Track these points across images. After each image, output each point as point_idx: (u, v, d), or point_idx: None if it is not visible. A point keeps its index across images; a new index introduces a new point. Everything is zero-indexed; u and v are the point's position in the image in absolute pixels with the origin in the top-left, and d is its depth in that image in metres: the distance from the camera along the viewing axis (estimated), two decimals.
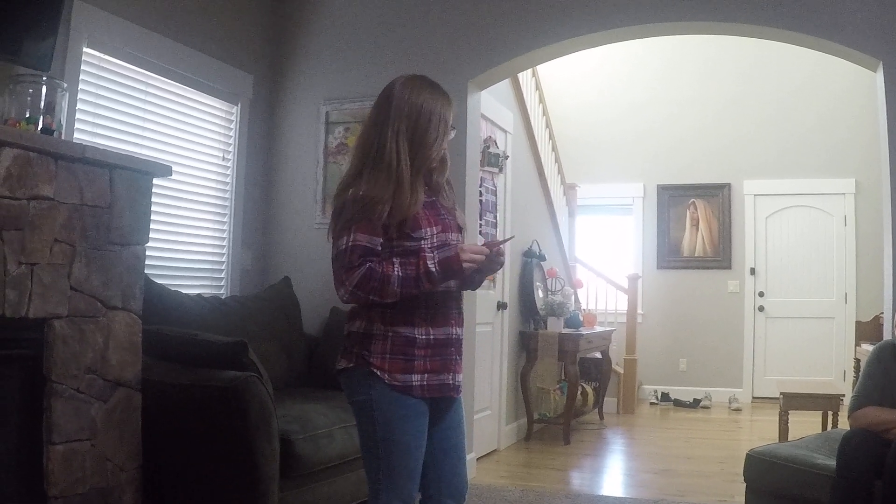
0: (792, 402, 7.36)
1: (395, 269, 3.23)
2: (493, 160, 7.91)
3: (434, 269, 3.24)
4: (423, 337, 3.36)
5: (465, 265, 3.27)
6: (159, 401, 4.69)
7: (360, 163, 3.39)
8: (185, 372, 4.75)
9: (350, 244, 3.23)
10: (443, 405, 3.50)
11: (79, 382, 4.23)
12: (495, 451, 8.17)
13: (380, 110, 3.43)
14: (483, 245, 3.41)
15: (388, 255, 3.30)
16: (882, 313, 7.97)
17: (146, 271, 4.80)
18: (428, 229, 3.36)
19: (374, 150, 3.35)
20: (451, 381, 3.46)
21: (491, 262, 3.40)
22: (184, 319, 5.48)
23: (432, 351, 3.38)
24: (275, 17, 7.57)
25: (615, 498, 6.64)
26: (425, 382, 3.35)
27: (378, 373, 3.30)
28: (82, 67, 5.47)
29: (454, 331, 3.49)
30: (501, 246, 3.43)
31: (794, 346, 12.07)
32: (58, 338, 4.13)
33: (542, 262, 9.53)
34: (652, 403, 12.06)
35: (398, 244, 3.31)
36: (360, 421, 3.42)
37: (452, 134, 3.53)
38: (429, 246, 3.34)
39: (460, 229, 3.58)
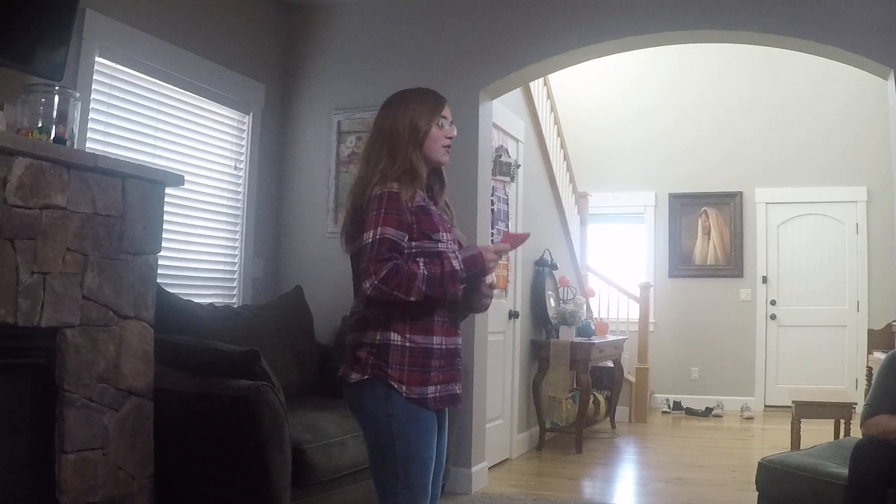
0: (804, 410, 7.35)
1: (421, 267, 3.23)
2: (504, 169, 7.92)
3: (459, 268, 3.29)
4: (440, 347, 3.38)
5: (490, 264, 3.39)
6: (171, 410, 4.69)
7: (375, 162, 3.45)
8: (198, 381, 4.76)
9: (378, 237, 3.21)
10: (441, 415, 3.53)
11: (91, 391, 4.25)
12: (507, 459, 8.15)
13: (380, 118, 3.57)
14: (503, 238, 3.65)
15: (410, 255, 3.30)
16: (894, 321, 7.96)
17: (158, 280, 4.82)
18: (443, 234, 3.39)
19: (384, 150, 3.45)
20: (457, 392, 3.51)
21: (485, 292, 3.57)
22: (196, 328, 5.49)
23: (444, 361, 3.41)
24: (286, 26, 7.60)
25: None
26: (437, 394, 3.37)
27: (396, 385, 3.28)
28: (94, 77, 5.50)
29: (459, 340, 3.54)
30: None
31: (806, 354, 12.03)
32: (70, 347, 4.14)
33: (553, 271, 9.52)
34: (664, 412, 12.03)
35: (418, 245, 3.32)
36: (375, 435, 3.38)
37: (452, 131, 3.64)
38: (445, 249, 3.37)
39: (460, 245, 3.58)
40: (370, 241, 3.21)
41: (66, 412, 4.13)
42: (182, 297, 5.81)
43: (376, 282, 3.17)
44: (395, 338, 3.32)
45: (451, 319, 3.46)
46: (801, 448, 6.52)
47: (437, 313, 3.37)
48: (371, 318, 3.36)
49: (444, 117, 3.56)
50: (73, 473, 4.14)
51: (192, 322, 5.56)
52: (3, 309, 3.79)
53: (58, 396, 4.11)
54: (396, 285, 3.18)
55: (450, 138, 3.58)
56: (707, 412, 11.70)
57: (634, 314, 11.70)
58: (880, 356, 6.93)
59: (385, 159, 3.40)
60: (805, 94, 12.12)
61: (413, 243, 3.32)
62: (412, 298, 3.22)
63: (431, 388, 3.34)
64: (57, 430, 4.10)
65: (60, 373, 4.11)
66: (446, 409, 3.54)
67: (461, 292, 3.46)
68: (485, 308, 3.70)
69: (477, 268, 3.34)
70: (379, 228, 3.22)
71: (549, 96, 10.02)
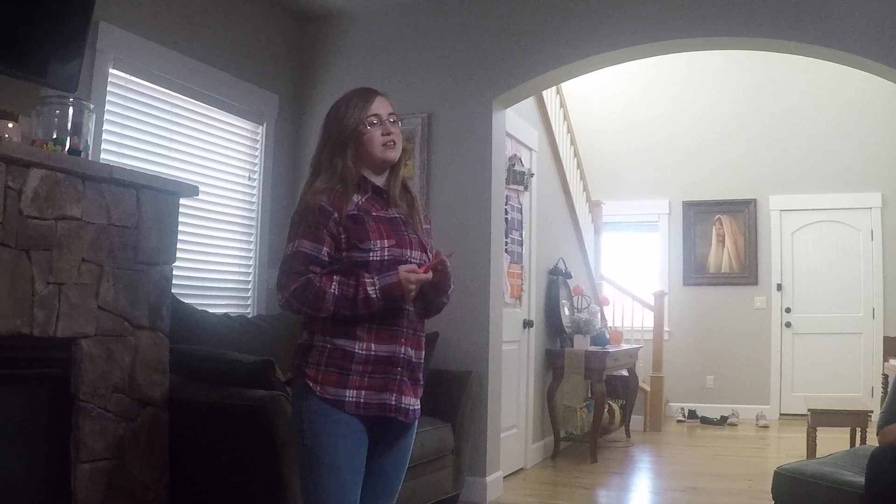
0: (820, 418, 7.32)
1: (333, 286, 3.17)
2: (518, 178, 7.91)
3: (374, 296, 3.16)
4: (363, 352, 3.23)
5: (407, 294, 3.21)
6: (186, 419, 4.71)
7: (310, 174, 3.47)
8: (213, 391, 4.76)
9: (293, 250, 3.23)
10: (390, 429, 3.38)
11: (106, 401, 4.26)
12: (522, 469, 8.13)
13: (322, 128, 3.53)
14: (424, 268, 3.29)
15: (338, 265, 3.24)
16: None
17: (173, 291, 4.83)
18: (378, 241, 3.27)
19: (321, 160, 3.43)
20: (393, 402, 3.28)
21: (441, 276, 3.37)
22: (211, 338, 5.50)
23: (372, 367, 3.24)
24: (300, 37, 7.62)
25: None
26: (361, 400, 3.21)
27: (311, 384, 3.21)
28: (108, 88, 5.53)
29: (403, 349, 3.33)
30: (445, 259, 3.34)
31: (821, 362, 11.97)
32: (85, 357, 4.16)
33: (568, 280, 9.51)
34: (679, 421, 11.97)
35: (347, 255, 3.24)
36: (297, 435, 3.32)
37: (389, 126, 3.44)
38: (377, 258, 3.24)
39: (424, 248, 3.46)
40: (287, 254, 3.25)
41: (82, 422, 4.15)
42: (197, 307, 5.82)
43: (287, 295, 3.20)
44: (318, 339, 3.26)
45: (383, 326, 3.28)
46: (817, 456, 6.49)
47: (360, 320, 3.22)
48: (304, 321, 3.37)
49: (376, 115, 3.41)
50: (88, 483, 4.15)
51: (207, 332, 5.57)
52: (18, 319, 3.81)
53: (73, 406, 4.13)
54: (305, 301, 3.18)
55: (389, 134, 3.42)
56: (722, 421, 11.67)
57: (649, 323, 11.64)
58: None
59: (322, 169, 3.40)
60: (817, 99, 12.08)
61: (343, 254, 3.25)
62: (322, 315, 3.21)
63: (351, 392, 3.20)
64: (72, 440, 4.12)
65: (76, 383, 4.14)
66: (403, 425, 3.39)
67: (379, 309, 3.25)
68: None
69: (394, 295, 3.18)
70: (296, 241, 3.24)
71: (562, 105, 10.01)
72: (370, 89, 3.51)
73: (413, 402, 3.38)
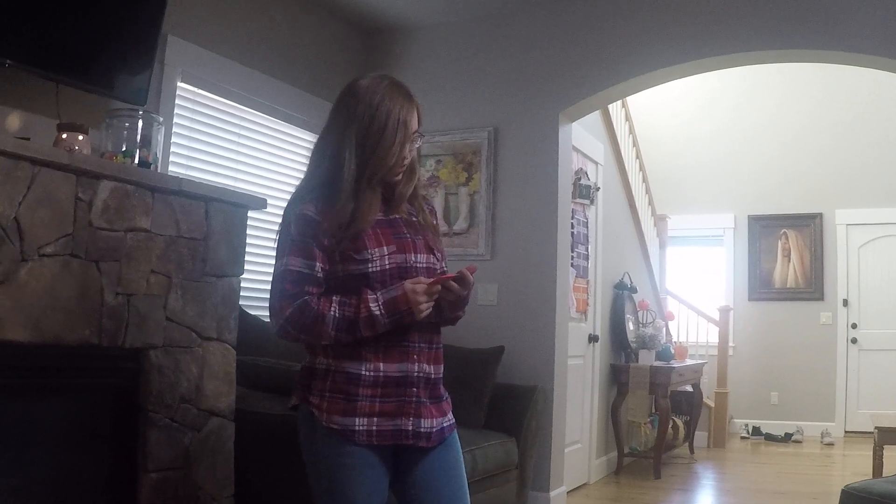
0: (887, 436, 7.20)
1: (333, 307, 2.85)
2: (584, 192, 7.89)
3: (378, 313, 2.82)
4: (371, 374, 2.89)
5: (420, 307, 2.85)
6: (252, 431, 4.72)
7: (311, 173, 3.10)
8: (278, 403, 4.76)
9: (283, 268, 2.92)
10: (416, 455, 3.02)
11: (173, 412, 4.28)
12: (585, 484, 8.09)
13: (336, 113, 3.08)
14: (435, 280, 2.92)
15: (334, 281, 2.92)
16: None
17: (241, 303, 4.84)
18: (376, 250, 2.91)
19: (326, 158, 3.01)
20: (410, 428, 2.94)
21: (462, 290, 2.94)
22: (277, 350, 5.51)
23: (383, 391, 2.90)
24: (365, 50, 7.64)
25: None
26: (374, 428, 2.88)
27: (316, 413, 2.93)
28: (177, 101, 5.59)
29: (417, 367, 2.97)
30: (467, 274, 2.92)
31: (888, 378, 11.78)
32: (153, 367, 4.18)
33: (633, 295, 9.46)
34: (743, 437, 11.89)
35: (343, 268, 2.91)
36: (307, 465, 3.05)
37: (418, 143, 3.12)
38: (378, 268, 2.90)
39: (431, 250, 3.10)
40: (276, 273, 2.96)
41: (149, 432, 4.17)
42: (264, 319, 5.84)
43: (283, 321, 2.90)
44: (321, 362, 2.97)
45: (392, 342, 2.92)
46: (884, 475, 6.40)
47: (366, 339, 2.87)
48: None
49: (413, 142, 3.07)
50: (153, 492, 4.18)
51: (274, 344, 5.58)
52: (87, 329, 3.84)
53: (140, 416, 4.15)
54: (302, 327, 2.87)
55: (405, 158, 3.03)
56: (787, 438, 11.55)
57: (714, 338, 11.56)
58: None
59: (323, 172, 3.02)
60: (881, 110, 11.91)
61: (338, 267, 2.91)
62: (323, 342, 2.89)
63: (361, 420, 2.87)
64: (139, 450, 4.14)
65: (143, 393, 4.16)
66: (424, 449, 3.00)
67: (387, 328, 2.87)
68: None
69: (400, 311, 2.83)
70: (285, 259, 2.93)
71: (628, 118, 9.96)
72: (410, 92, 3.18)
73: (435, 424, 3.03)
